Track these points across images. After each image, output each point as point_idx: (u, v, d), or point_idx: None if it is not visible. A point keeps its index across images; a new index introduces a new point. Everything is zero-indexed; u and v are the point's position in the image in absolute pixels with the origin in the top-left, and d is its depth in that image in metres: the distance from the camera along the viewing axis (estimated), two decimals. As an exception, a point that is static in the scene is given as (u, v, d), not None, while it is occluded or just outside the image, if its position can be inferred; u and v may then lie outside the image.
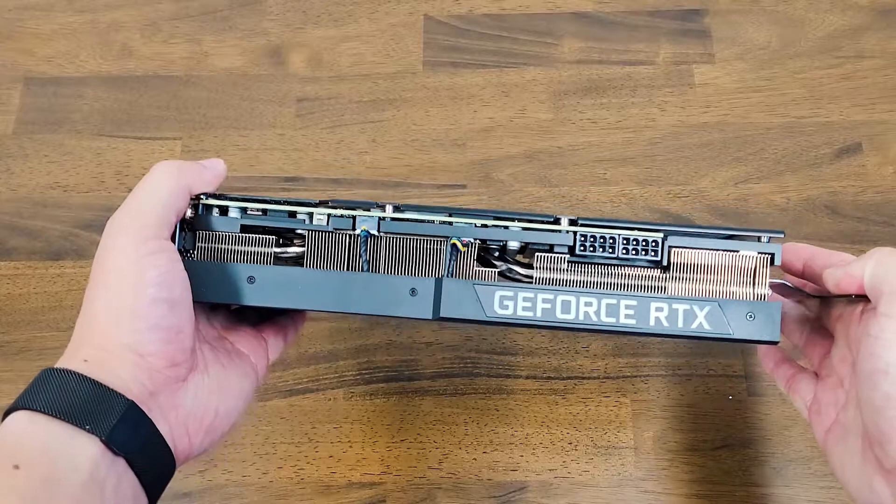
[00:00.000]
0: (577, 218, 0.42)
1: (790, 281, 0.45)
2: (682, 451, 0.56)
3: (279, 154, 0.67)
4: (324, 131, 0.68)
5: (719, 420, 0.57)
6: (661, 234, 0.41)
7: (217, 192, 0.43)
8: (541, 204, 0.64)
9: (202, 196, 0.42)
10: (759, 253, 0.41)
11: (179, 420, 0.38)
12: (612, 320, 0.41)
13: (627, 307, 0.41)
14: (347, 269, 0.42)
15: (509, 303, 0.41)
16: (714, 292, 0.41)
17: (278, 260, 0.44)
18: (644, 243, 0.41)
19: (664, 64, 0.69)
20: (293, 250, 0.44)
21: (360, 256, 0.42)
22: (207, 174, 0.42)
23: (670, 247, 0.41)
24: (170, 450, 0.37)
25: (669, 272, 0.41)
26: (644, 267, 0.42)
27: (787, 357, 0.47)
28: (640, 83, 0.68)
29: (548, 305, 0.41)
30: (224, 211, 0.43)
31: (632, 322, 0.41)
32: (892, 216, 0.62)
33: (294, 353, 0.60)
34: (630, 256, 0.42)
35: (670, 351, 0.59)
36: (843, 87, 0.67)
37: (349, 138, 0.67)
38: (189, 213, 0.42)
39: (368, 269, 0.42)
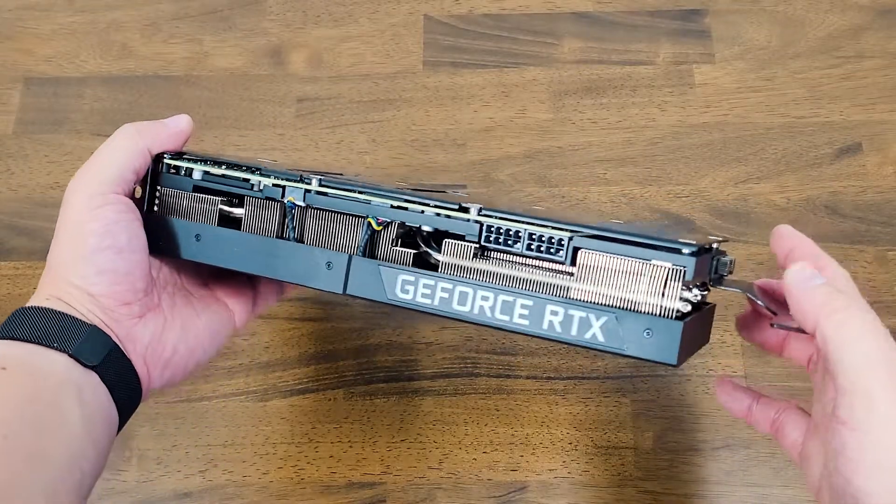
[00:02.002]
0: (487, 207, 0.40)
1: (761, 292, 0.42)
2: (683, 452, 0.56)
3: (279, 154, 0.67)
4: (324, 131, 0.68)
5: (719, 420, 0.57)
6: (568, 234, 0.38)
7: (183, 152, 0.46)
8: (541, 204, 0.64)
9: (165, 155, 0.45)
10: (672, 265, 0.37)
11: (137, 351, 0.42)
12: (505, 318, 0.39)
13: (523, 307, 0.39)
14: (280, 236, 0.44)
15: (410, 287, 0.41)
16: (619, 302, 0.38)
17: (230, 221, 0.45)
18: (549, 241, 0.39)
19: (664, 64, 0.69)
20: (238, 212, 0.45)
21: (287, 225, 0.44)
22: (166, 133, 0.45)
23: (576, 248, 0.38)
24: (133, 368, 0.42)
25: (575, 275, 0.39)
26: (550, 267, 0.39)
27: (747, 390, 0.44)
28: (640, 83, 0.68)
29: (445, 295, 0.40)
30: (188, 171, 0.46)
31: (524, 323, 0.39)
32: (892, 216, 0.62)
33: (294, 353, 0.60)
34: (534, 253, 0.39)
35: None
36: (844, 87, 0.67)
37: (349, 138, 0.67)
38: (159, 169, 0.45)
39: (296, 239, 0.43)
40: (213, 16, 0.73)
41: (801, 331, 0.38)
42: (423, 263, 0.42)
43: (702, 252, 0.38)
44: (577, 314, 0.38)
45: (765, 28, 0.70)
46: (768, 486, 0.55)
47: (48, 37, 0.73)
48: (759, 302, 0.42)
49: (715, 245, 0.42)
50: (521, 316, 0.39)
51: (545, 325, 0.38)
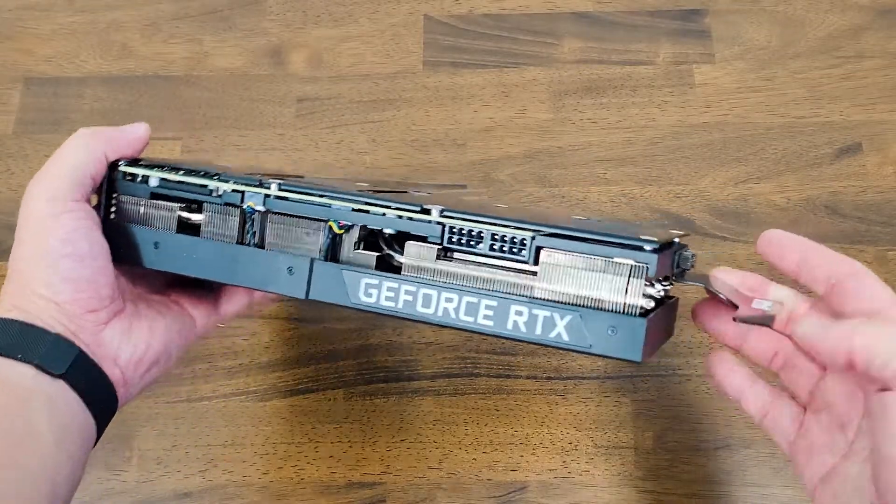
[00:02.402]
0: (449, 209, 0.40)
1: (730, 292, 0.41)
2: (683, 451, 0.56)
3: (279, 154, 0.67)
4: (324, 131, 0.68)
5: (720, 420, 0.57)
6: (530, 234, 0.38)
7: (140, 158, 0.46)
8: (541, 204, 0.64)
9: (120, 161, 0.45)
10: (634, 262, 0.37)
11: (107, 355, 0.42)
12: (469, 319, 0.39)
13: (487, 307, 0.38)
14: (240, 242, 0.43)
15: (373, 291, 0.40)
16: (583, 300, 0.38)
17: (189, 227, 0.45)
18: (512, 241, 0.38)
19: (664, 64, 0.69)
20: (197, 218, 0.44)
21: (247, 231, 0.43)
22: (123, 140, 0.45)
23: (539, 247, 0.38)
24: (103, 372, 0.42)
25: (538, 274, 0.38)
26: (514, 267, 0.39)
27: (747, 371, 0.42)
28: (640, 83, 0.68)
29: (409, 297, 0.40)
30: (144, 178, 0.45)
31: (489, 324, 0.38)
32: (892, 216, 0.62)
33: (294, 353, 0.60)
34: (497, 254, 0.39)
35: (670, 351, 0.59)
36: (844, 87, 0.67)
37: (349, 138, 0.67)
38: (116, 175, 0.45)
39: (256, 244, 0.43)
40: (213, 16, 0.73)
41: (765, 325, 0.38)
42: (387, 266, 0.41)
43: (663, 248, 0.38)
44: (542, 314, 0.38)
45: (765, 28, 0.70)
46: (768, 485, 0.55)
47: (48, 37, 0.73)
48: (720, 295, 0.41)
49: (676, 240, 0.41)
50: (486, 317, 0.39)
51: (510, 326, 0.38)
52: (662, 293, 0.39)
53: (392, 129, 0.68)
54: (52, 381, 0.40)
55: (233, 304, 0.50)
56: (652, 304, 0.37)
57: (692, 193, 0.64)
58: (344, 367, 0.59)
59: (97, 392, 0.41)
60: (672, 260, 0.41)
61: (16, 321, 0.40)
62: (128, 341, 0.43)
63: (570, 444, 0.57)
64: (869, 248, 0.61)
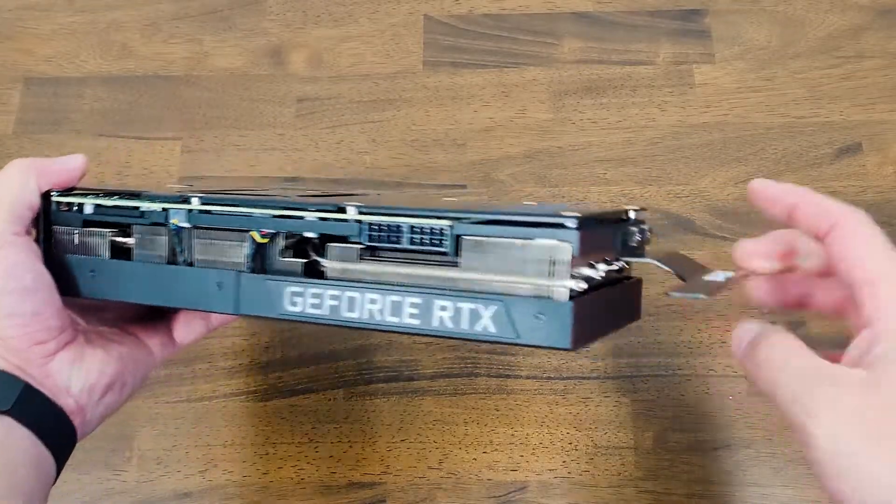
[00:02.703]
0: (366, 206, 0.38)
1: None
2: (683, 452, 0.56)
3: (279, 154, 0.67)
4: (324, 131, 0.68)
5: (720, 420, 0.57)
6: (448, 223, 0.36)
7: (73, 187, 0.45)
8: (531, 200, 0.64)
9: (52, 192, 0.44)
10: (558, 241, 0.34)
11: (58, 384, 0.41)
12: (395, 320, 0.37)
13: (412, 305, 0.36)
14: (172, 262, 0.42)
15: (299, 299, 0.39)
16: (508, 288, 0.35)
17: (124, 252, 0.44)
18: (431, 232, 0.36)
19: (664, 64, 0.69)
20: (130, 241, 0.43)
21: (176, 249, 0.42)
22: (58, 171, 0.44)
23: (458, 236, 0.36)
24: (54, 403, 0.41)
25: (461, 264, 0.36)
26: (437, 260, 0.37)
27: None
28: (640, 83, 0.68)
29: (335, 303, 0.38)
30: (79, 207, 0.44)
31: (416, 322, 0.36)
32: (892, 216, 0.62)
33: (294, 353, 0.60)
34: (418, 247, 0.37)
35: (671, 351, 0.59)
36: (844, 87, 0.67)
37: (349, 138, 0.67)
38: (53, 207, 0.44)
39: (187, 262, 0.42)
40: (213, 16, 0.73)
41: (706, 295, 0.36)
42: (315, 272, 0.40)
43: (590, 224, 0.35)
44: (466, 306, 0.36)
45: (765, 28, 0.70)
46: (769, 485, 0.55)
47: (48, 37, 0.73)
48: (666, 268, 0.39)
49: (632, 215, 0.40)
50: (412, 315, 0.37)
51: (436, 323, 0.36)
52: (604, 274, 0.36)
53: (392, 129, 0.68)
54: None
55: (190, 331, 0.49)
56: (583, 285, 0.35)
57: (692, 193, 0.64)
58: (344, 367, 0.59)
59: (49, 424, 0.41)
60: (614, 236, 0.39)
61: None
62: (79, 370, 0.42)
63: (570, 444, 0.57)
64: (869, 248, 0.61)
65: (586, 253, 0.35)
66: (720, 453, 0.56)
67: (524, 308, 0.35)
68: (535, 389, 0.58)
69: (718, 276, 0.38)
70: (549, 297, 0.35)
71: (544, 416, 0.58)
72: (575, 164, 0.66)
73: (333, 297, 0.38)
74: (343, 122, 0.68)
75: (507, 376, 0.59)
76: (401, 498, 0.56)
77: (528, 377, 0.59)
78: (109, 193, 0.44)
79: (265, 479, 0.56)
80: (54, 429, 0.41)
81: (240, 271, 0.40)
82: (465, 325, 0.36)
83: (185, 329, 0.49)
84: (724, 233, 0.62)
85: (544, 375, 0.59)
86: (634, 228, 0.40)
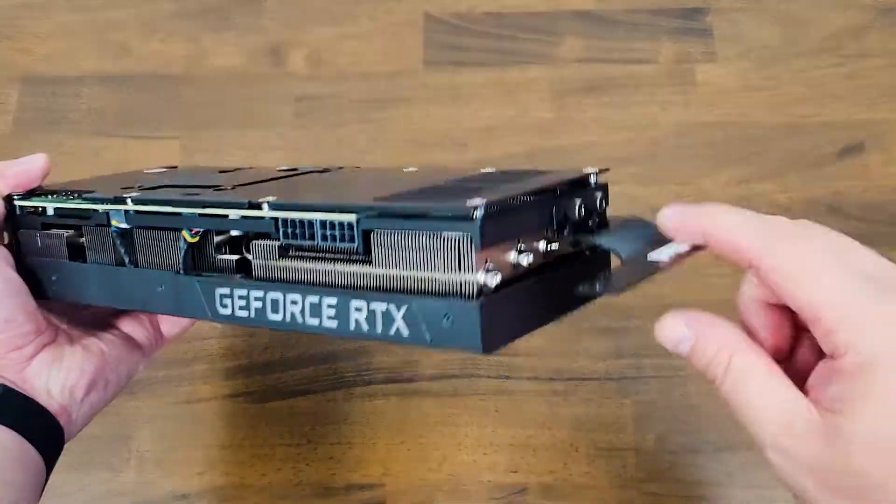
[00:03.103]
0: (278, 201, 0.37)
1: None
2: (684, 453, 0.56)
3: (278, 153, 0.67)
4: (323, 130, 0.68)
5: (721, 422, 0.57)
6: (354, 217, 0.34)
7: (35, 189, 0.44)
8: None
9: (14, 196, 0.44)
10: (464, 233, 0.31)
11: (37, 387, 0.42)
12: (315, 322, 0.35)
13: (329, 307, 0.35)
14: (120, 262, 0.42)
15: (228, 301, 0.38)
16: (418, 285, 0.33)
17: (80, 252, 0.43)
18: (340, 228, 0.34)
19: (666, 63, 0.69)
20: (83, 240, 0.43)
21: (118, 250, 0.41)
22: (18, 173, 0.44)
23: (366, 230, 0.34)
24: (37, 403, 0.41)
25: (372, 261, 0.34)
26: (349, 257, 0.35)
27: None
28: (642, 82, 0.68)
29: (259, 304, 0.37)
30: (41, 210, 0.44)
31: (333, 325, 0.35)
32: (895, 215, 0.62)
33: (293, 354, 0.60)
34: (329, 243, 0.35)
35: (671, 352, 0.58)
36: (846, 86, 0.67)
37: (349, 137, 0.67)
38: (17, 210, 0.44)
39: (133, 263, 0.41)
40: (211, 15, 0.72)
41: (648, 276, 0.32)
42: (246, 268, 0.39)
43: (500, 210, 0.32)
44: (379, 307, 0.33)
45: (767, 27, 0.70)
46: (770, 487, 0.55)
47: (46, 36, 0.72)
48: (608, 247, 0.36)
49: (594, 179, 0.37)
50: (329, 317, 0.35)
51: (352, 325, 0.34)
52: (532, 258, 0.34)
53: (392, 128, 0.67)
54: None
55: (174, 323, 0.49)
56: (497, 278, 0.32)
57: (694, 193, 0.64)
58: (343, 368, 0.59)
59: (32, 423, 0.41)
60: (546, 215, 0.35)
61: None
62: (58, 371, 0.43)
63: (571, 445, 0.56)
64: (871, 248, 0.61)
65: (498, 241, 0.32)
66: (722, 455, 0.56)
67: (432, 309, 0.32)
68: (536, 391, 0.58)
69: (663, 253, 0.34)
70: (457, 296, 0.32)
71: (545, 417, 0.57)
72: (576, 164, 0.65)
73: (257, 299, 0.37)
74: (343, 122, 0.68)
75: (508, 377, 0.58)
76: (400, 500, 0.55)
77: (528, 378, 0.58)
78: (68, 193, 0.44)
79: (264, 481, 0.56)
80: (38, 428, 0.41)
81: (176, 271, 0.39)
82: (379, 328, 0.34)
83: (170, 321, 0.49)
84: (726, 233, 0.62)
85: (545, 377, 0.58)
86: (578, 201, 0.37)
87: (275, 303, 0.37)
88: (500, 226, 0.32)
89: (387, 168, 0.44)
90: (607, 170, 0.39)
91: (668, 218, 0.34)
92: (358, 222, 0.34)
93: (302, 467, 0.56)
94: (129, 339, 0.47)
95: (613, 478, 0.56)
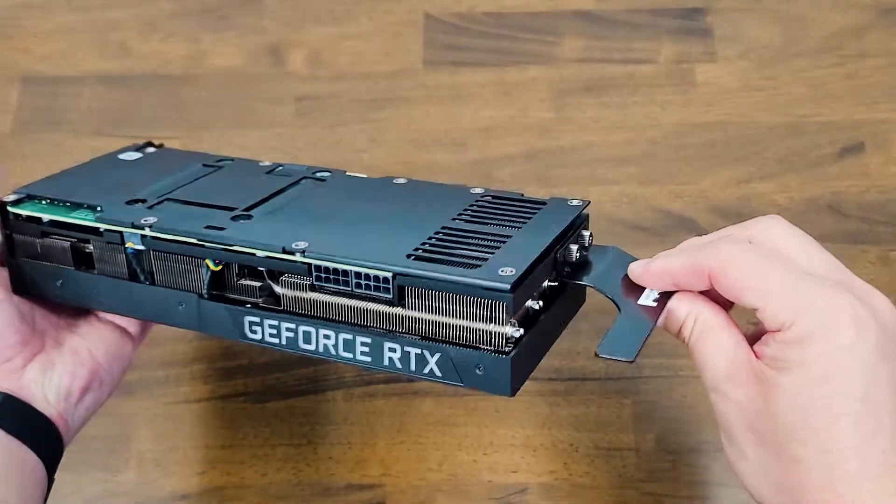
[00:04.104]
0: (311, 249, 0.39)
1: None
2: (685, 453, 0.56)
3: (278, 153, 0.67)
4: (323, 130, 0.68)
5: (721, 421, 0.57)
6: (391, 273, 0.37)
7: (32, 195, 0.46)
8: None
9: (7, 201, 0.45)
10: (497, 301, 0.36)
11: (34, 395, 0.43)
12: (349, 355, 0.39)
13: (363, 344, 0.39)
14: (133, 278, 0.43)
15: (257, 328, 0.41)
16: (448, 336, 0.37)
17: (85, 257, 0.45)
18: (375, 279, 0.38)
19: (666, 63, 0.69)
20: (90, 248, 0.45)
21: (132, 267, 0.43)
22: None
23: (400, 286, 0.38)
24: (35, 409, 0.42)
25: (404, 311, 0.38)
26: (381, 302, 0.39)
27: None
28: (641, 82, 0.68)
29: (291, 334, 0.40)
30: (38, 218, 0.45)
31: (368, 359, 0.39)
32: (895, 216, 0.62)
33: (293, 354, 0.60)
34: (363, 292, 0.38)
35: (672, 352, 0.58)
36: (846, 86, 0.67)
37: (349, 137, 0.67)
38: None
39: (148, 280, 0.43)
40: (211, 14, 0.72)
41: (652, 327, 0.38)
42: (270, 293, 0.41)
43: (522, 280, 0.36)
44: (413, 351, 0.38)
45: (767, 26, 0.69)
46: (771, 488, 0.55)
47: (46, 35, 0.72)
48: (608, 295, 0.40)
49: (587, 233, 0.41)
50: (363, 353, 0.39)
51: (386, 362, 0.39)
52: (539, 305, 0.39)
53: (392, 128, 0.67)
54: None
55: None
56: (520, 331, 0.37)
57: (694, 193, 0.64)
58: (343, 368, 0.59)
59: (32, 430, 0.42)
60: (556, 256, 0.40)
61: None
62: (51, 377, 0.44)
63: (571, 445, 0.56)
64: (872, 249, 0.61)
65: (523, 302, 0.37)
66: (722, 455, 0.55)
67: (465, 357, 0.37)
68: (536, 391, 0.58)
69: (648, 297, 0.39)
70: (490, 345, 0.36)
71: (545, 417, 0.57)
72: (576, 164, 0.65)
73: (289, 329, 0.40)
74: (342, 122, 0.68)
75: (508, 377, 0.58)
76: (400, 500, 0.55)
77: (528, 378, 0.58)
78: (69, 204, 0.45)
79: (264, 481, 0.56)
80: (38, 434, 0.42)
81: (199, 295, 0.42)
82: (412, 367, 0.38)
83: None
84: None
85: (545, 377, 0.58)
86: (573, 245, 0.41)
87: (307, 334, 0.40)
88: (525, 289, 0.37)
89: (376, 180, 0.48)
90: (588, 202, 0.43)
91: (634, 272, 0.40)
92: (394, 278, 0.37)
93: (302, 467, 0.56)
94: (117, 329, 0.48)
95: (613, 478, 0.55)
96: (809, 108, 0.66)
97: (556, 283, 0.41)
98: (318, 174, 0.48)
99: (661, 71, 0.68)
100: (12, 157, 0.68)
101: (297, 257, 0.39)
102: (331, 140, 0.67)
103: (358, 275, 0.38)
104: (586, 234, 0.42)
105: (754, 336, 0.38)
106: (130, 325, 0.48)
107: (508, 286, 0.35)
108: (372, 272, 0.38)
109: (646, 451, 0.56)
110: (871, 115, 0.66)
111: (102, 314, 0.48)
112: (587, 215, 0.43)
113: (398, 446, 0.57)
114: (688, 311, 0.38)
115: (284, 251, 0.39)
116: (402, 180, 0.47)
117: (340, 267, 0.38)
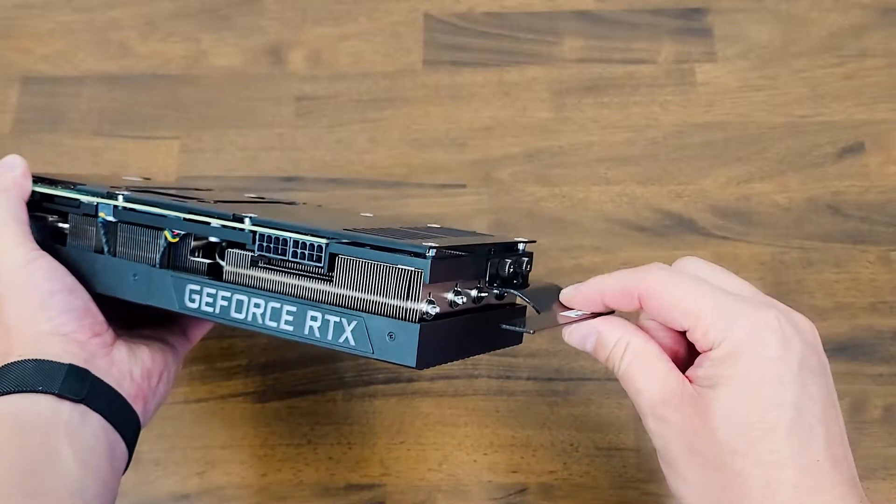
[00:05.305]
0: (260, 218, 0.42)
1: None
2: (684, 453, 0.56)
3: (278, 153, 0.66)
4: (323, 130, 0.67)
5: (721, 421, 0.57)
6: (325, 241, 0.40)
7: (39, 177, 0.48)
8: (542, 204, 0.64)
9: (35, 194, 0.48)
10: (414, 268, 0.38)
11: (123, 371, 0.45)
12: (274, 324, 0.41)
13: (288, 313, 0.41)
14: (98, 250, 0.46)
15: (196, 297, 0.43)
16: (370, 305, 0.39)
17: (60, 236, 0.48)
18: (310, 248, 0.40)
19: (666, 63, 0.69)
20: (66, 226, 0.48)
21: (100, 239, 0.46)
22: (12, 178, 0.47)
23: (332, 254, 0.40)
24: (118, 392, 0.44)
25: (333, 280, 0.40)
26: (314, 274, 0.41)
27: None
28: (641, 82, 0.68)
29: (225, 303, 0.42)
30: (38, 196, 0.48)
31: (290, 328, 0.41)
32: (895, 216, 0.62)
33: (293, 354, 0.60)
34: (298, 261, 0.41)
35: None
36: (846, 86, 0.67)
37: (348, 137, 0.67)
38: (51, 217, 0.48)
39: (111, 252, 0.46)
40: (211, 14, 0.72)
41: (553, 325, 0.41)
42: (218, 273, 0.44)
43: (449, 256, 0.39)
44: (332, 319, 0.40)
45: (767, 26, 0.69)
46: (771, 488, 0.55)
47: (45, 35, 0.72)
48: (528, 301, 0.43)
49: (521, 247, 0.45)
50: (287, 322, 0.41)
51: (306, 331, 0.40)
52: (465, 300, 0.41)
53: (392, 128, 0.67)
54: (74, 407, 0.42)
55: (200, 328, 0.53)
56: (436, 310, 0.39)
57: (694, 193, 0.64)
58: (343, 368, 0.59)
59: (117, 411, 0.44)
60: (482, 268, 0.42)
61: (30, 360, 0.42)
62: (135, 357, 0.46)
63: (571, 445, 0.56)
64: (872, 249, 0.61)
65: (441, 280, 0.39)
66: (722, 455, 0.56)
67: (379, 326, 0.39)
68: (536, 391, 0.58)
69: (571, 313, 0.42)
70: (402, 319, 0.38)
71: (545, 417, 0.57)
72: (576, 164, 0.65)
73: (224, 298, 0.42)
74: (342, 122, 0.68)
75: (508, 377, 0.58)
76: (400, 500, 0.55)
77: (528, 378, 0.58)
78: (59, 183, 0.48)
79: (263, 481, 0.56)
80: (122, 415, 0.44)
81: (152, 265, 0.45)
82: (330, 336, 0.40)
83: (196, 328, 0.52)
84: (725, 233, 0.62)
85: (545, 377, 0.58)
86: (507, 261, 0.43)
87: (239, 303, 0.42)
88: (445, 267, 0.39)
89: (345, 209, 0.52)
90: (534, 241, 0.46)
91: (569, 297, 0.42)
92: (327, 245, 0.40)
93: (302, 467, 0.56)
94: (166, 342, 0.50)
95: (613, 478, 0.55)
96: (809, 108, 0.66)
97: (486, 295, 0.43)
98: (296, 203, 0.53)
99: (661, 71, 0.68)
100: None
101: (246, 224, 0.42)
102: (331, 140, 0.67)
103: (296, 243, 0.41)
104: (524, 259, 0.45)
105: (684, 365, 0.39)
106: (175, 342, 0.50)
107: (429, 252, 0.38)
108: (308, 240, 0.40)
109: (646, 451, 0.56)
110: (871, 115, 0.66)
111: (151, 332, 0.50)
112: (530, 254, 0.46)
113: (398, 446, 0.57)
114: (619, 337, 0.40)
115: (234, 218, 0.42)
116: (368, 214, 0.52)
117: (281, 235, 0.41)
